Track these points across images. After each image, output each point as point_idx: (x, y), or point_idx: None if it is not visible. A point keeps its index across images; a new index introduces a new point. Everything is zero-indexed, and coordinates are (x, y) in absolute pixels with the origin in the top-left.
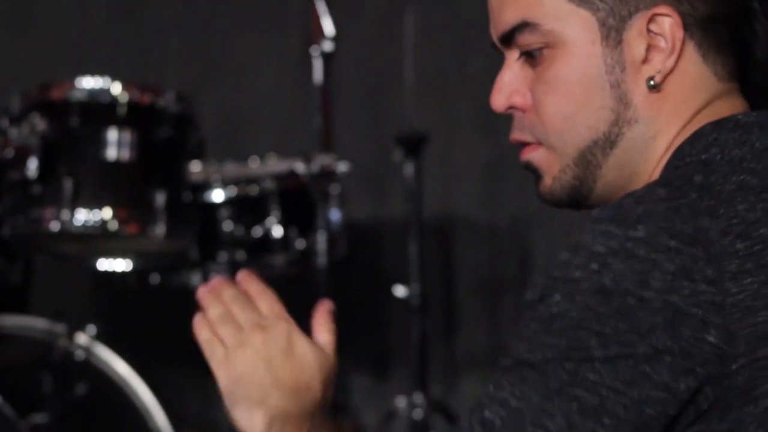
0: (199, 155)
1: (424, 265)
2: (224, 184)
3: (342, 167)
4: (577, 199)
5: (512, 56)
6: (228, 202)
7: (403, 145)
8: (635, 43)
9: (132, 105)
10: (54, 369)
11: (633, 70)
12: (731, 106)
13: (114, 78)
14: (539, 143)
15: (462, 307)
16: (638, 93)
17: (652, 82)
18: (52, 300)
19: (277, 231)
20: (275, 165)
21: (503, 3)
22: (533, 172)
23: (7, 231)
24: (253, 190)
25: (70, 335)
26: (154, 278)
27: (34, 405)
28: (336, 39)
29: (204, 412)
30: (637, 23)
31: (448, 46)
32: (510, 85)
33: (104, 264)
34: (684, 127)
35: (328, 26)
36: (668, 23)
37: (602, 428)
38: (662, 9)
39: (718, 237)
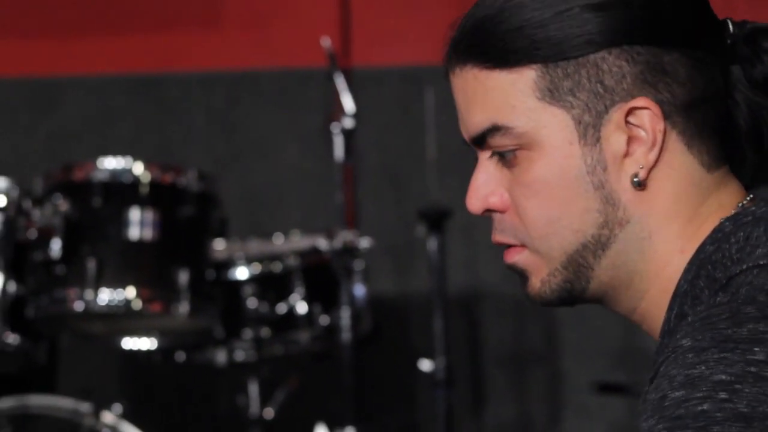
0: (222, 233)
1: (450, 339)
2: (248, 262)
3: (365, 243)
4: (569, 299)
5: (485, 156)
6: (252, 279)
7: (427, 220)
8: (614, 138)
9: (154, 184)
10: None
11: (615, 167)
12: (731, 194)
13: (136, 158)
14: (524, 246)
15: (488, 381)
16: (624, 191)
17: (636, 179)
18: (78, 379)
19: (302, 307)
20: (298, 242)
21: (470, 105)
22: (519, 274)
23: (32, 311)
24: (277, 267)
25: (97, 414)
26: (180, 356)
27: None
28: (356, 116)
29: None
30: (615, 116)
31: None
32: (485, 187)
33: (129, 343)
34: (686, 225)
35: (348, 103)
36: (647, 115)
37: None
38: (639, 102)
39: None
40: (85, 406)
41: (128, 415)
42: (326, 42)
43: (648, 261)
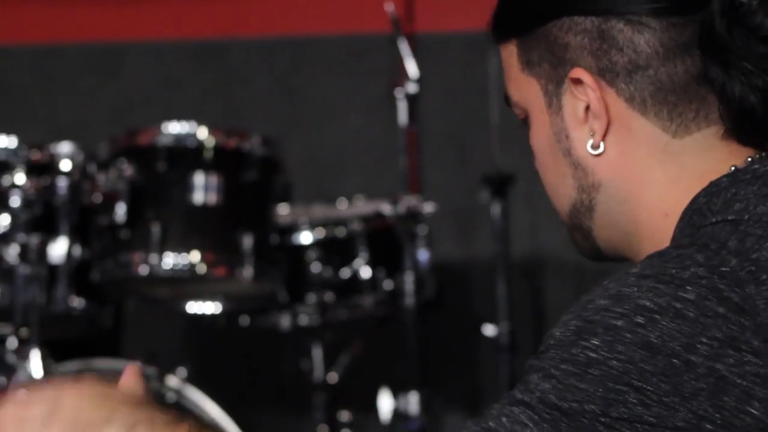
0: (286, 198)
1: (513, 304)
2: (312, 227)
3: (428, 208)
4: (597, 256)
5: None
6: (316, 243)
7: (490, 185)
8: (570, 106)
9: (218, 149)
10: None
11: (576, 134)
12: (722, 158)
13: (200, 123)
14: None
15: None
16: (588, 158)
17: (589, 147)
18: (143, 343)
19: (365, 272)
20: (362, 207)
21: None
22: None
23: (97, 275)
24: (341, 231)
25: (161, 378)
26: (244, 320)
27: None
28: (420, 81)
29: None
30: (569, 86)
31: None
32: None
33: (194, 307)
34: (667, 189)
35: (411, 68)
36: (586, 85)
37: None
38: (575, 72)
39: (765, 306)
40: (149, 370)
41: (192, 379)
42: (390, 7)
43: (635, 223)
